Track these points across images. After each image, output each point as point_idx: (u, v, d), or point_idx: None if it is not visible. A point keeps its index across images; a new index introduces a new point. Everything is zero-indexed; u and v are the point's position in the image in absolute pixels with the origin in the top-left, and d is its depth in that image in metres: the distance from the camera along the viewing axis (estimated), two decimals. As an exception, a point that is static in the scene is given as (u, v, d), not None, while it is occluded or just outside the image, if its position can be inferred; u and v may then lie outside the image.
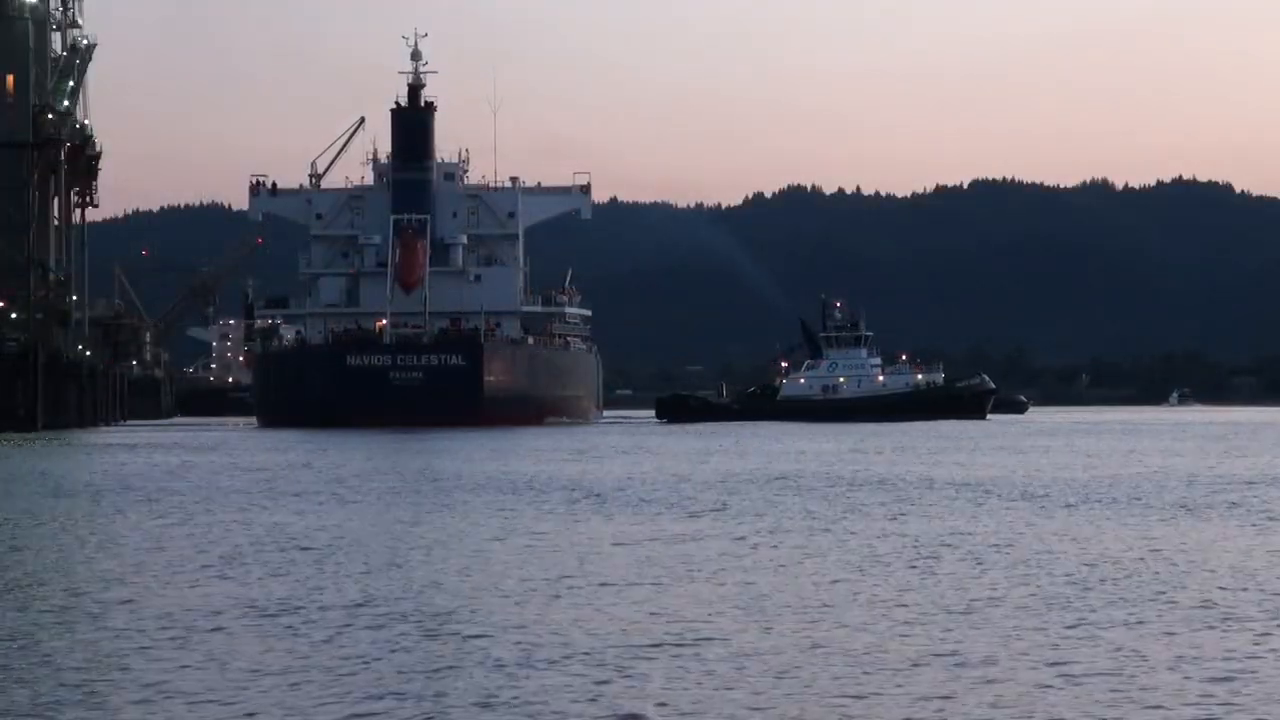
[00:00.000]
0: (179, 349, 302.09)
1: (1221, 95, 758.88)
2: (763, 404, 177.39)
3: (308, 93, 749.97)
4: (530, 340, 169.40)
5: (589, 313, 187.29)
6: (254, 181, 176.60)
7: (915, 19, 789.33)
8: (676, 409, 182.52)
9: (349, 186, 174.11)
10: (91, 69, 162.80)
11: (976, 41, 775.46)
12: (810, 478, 67.81)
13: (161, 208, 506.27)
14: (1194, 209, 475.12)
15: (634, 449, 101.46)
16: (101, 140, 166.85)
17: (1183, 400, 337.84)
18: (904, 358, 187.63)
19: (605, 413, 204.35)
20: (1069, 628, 26.33)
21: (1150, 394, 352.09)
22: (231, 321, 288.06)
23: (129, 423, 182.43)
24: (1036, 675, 22.34)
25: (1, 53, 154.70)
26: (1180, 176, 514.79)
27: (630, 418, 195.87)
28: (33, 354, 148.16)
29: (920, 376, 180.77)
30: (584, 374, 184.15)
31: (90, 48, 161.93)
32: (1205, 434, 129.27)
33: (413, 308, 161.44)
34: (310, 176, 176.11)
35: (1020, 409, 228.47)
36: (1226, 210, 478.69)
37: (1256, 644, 24.75)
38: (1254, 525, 45.12)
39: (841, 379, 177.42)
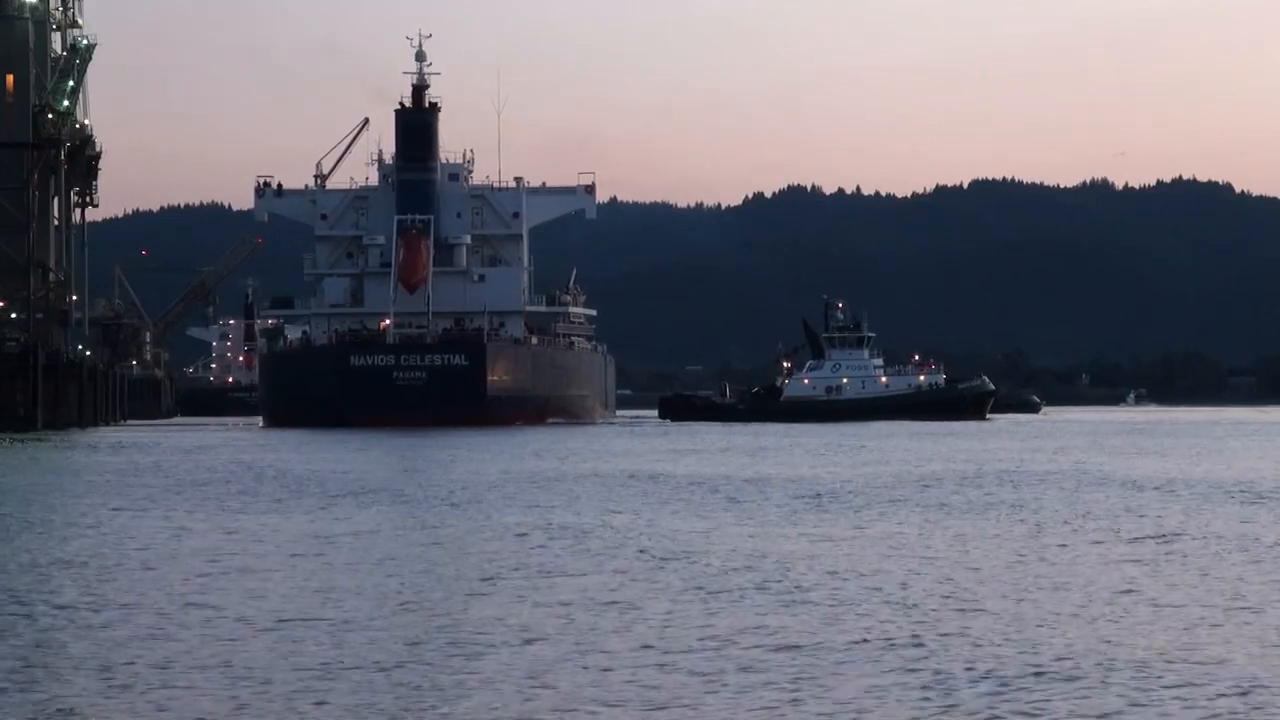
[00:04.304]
0: (179, 349, 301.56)
1: (1221, 95, 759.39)
2: (767, 404, 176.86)
3: (310, 93, 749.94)
4: (534, 340, 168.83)
5: (594, 312, 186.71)
6: (260, 182, 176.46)
7: (916, 19, 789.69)
8: (680, 409, 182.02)
9: (354, 187, 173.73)
10: (91, 69, 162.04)
11: (977, 41, 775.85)
12: None
13: (161, 208, 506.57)
14: (1194, 209, 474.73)
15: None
16: (101, 140, 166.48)
17: (1139, 401, 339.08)
18: (916, 358, 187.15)
19: (618, 413, 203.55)
20: None
21: (1150, 393, 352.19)
22: (231, 321, 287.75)
23: (129, 423, 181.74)
24: None
25: (1, 53, 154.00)
26: (1180, 176, 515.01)
27: (640, 418, 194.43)
28: (33, 354, 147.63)
29: (923, 378, 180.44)
30: (590, 374, 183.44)
31: (90, 48, 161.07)
32: None
33: (416, 308, 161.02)
34: (315, 177, 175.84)
35: (1034, 409, 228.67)
36: (1226, 210, 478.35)
37: None
38: None
39: (845, 380, 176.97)
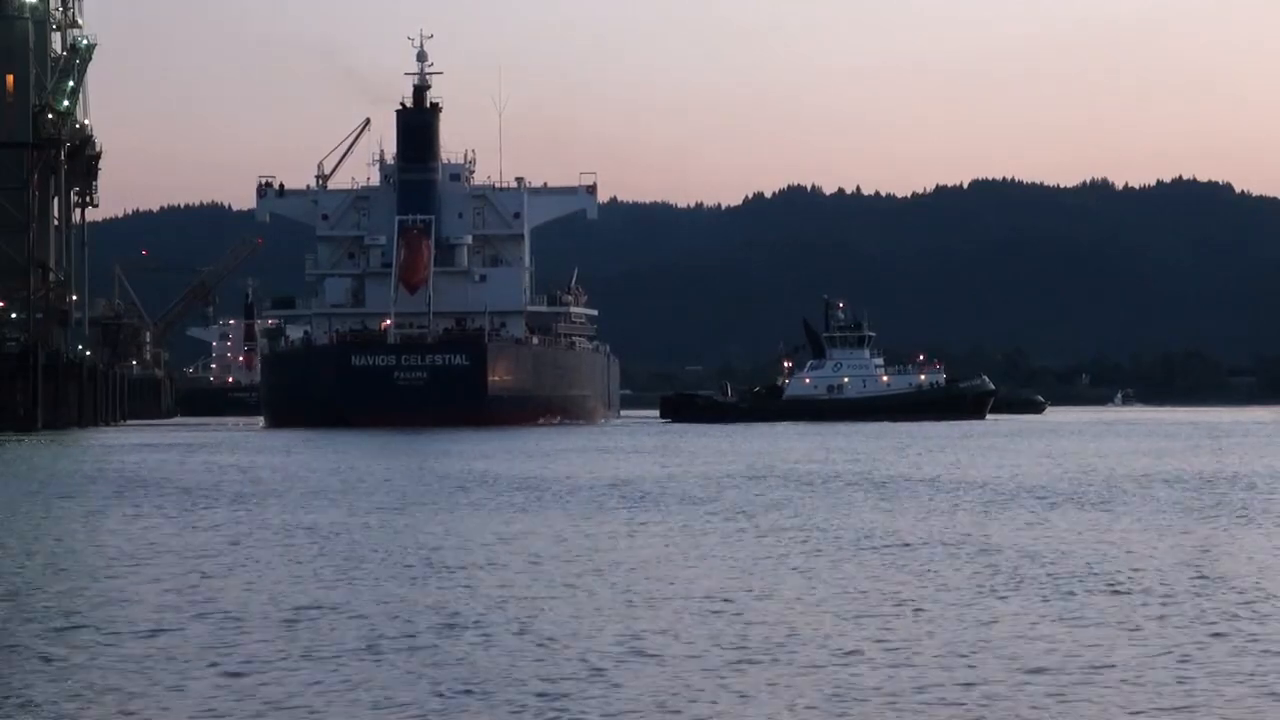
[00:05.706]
0: (179, 349, 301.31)
1: (1221, 95, 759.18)
2: (769, 403, 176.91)
3: (311, 93, 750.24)
4: (535, 340, 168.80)
5: (595, 312, 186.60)
6: (261, 183, 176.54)
7: (915, 18, 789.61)
8: (682, 408, 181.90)
9: (355, 187, 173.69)
10: (91, 69, 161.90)
11: (977, 41, 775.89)
12: None
13: (161, 208, 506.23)
14: (1194, 209, 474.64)
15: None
16: (101, 140, 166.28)
17: (1126, 401, 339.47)
18: (920, 357, 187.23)
19: (622, 413, 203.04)
20: None
21: (1149, 393, 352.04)
22: (231, 321, 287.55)
23: (129, 423, 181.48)
24: None
25: (1, 53, 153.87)
26: (1180, 176, 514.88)
27: (645, 418, 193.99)
28: (33, 354, 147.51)
29: (923, 377, 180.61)
30: (591, 374, 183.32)
31: (90, 48, 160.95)
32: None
33: (417, 308, 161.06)
34: (316, 177, 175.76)
35: (1038, 409, 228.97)
36: (1226, 210, 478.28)
37: None
38: None
39: (846, 379, 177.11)
